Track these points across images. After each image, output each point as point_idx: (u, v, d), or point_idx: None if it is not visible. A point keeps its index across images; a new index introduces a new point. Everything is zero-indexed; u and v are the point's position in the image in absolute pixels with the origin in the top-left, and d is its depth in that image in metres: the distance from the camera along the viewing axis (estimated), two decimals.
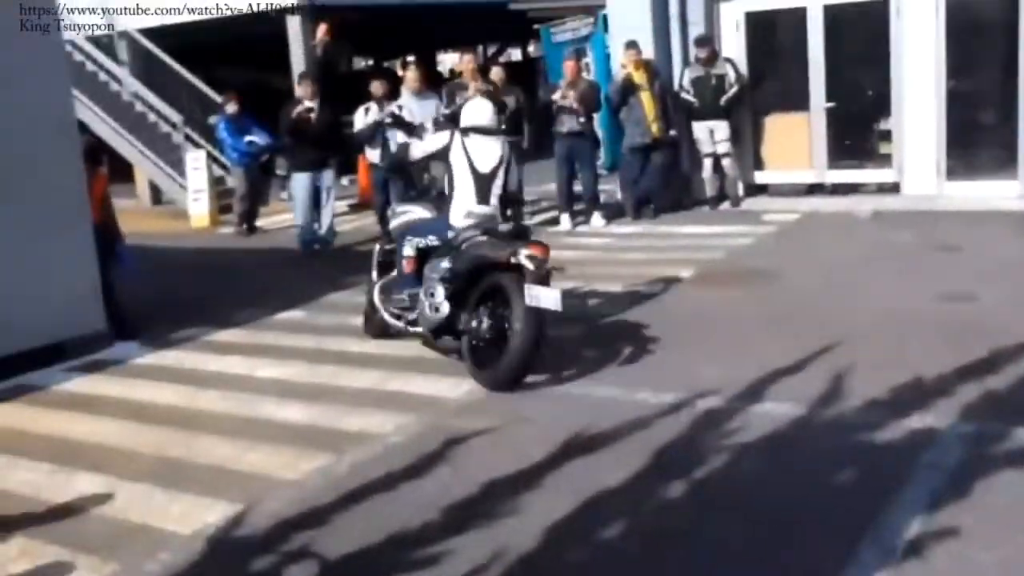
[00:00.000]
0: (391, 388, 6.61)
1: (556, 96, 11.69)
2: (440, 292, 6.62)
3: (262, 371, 7.25)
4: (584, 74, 13.09)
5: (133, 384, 7.23)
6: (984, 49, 11.45)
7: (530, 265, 6.23)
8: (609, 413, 5.76)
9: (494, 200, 7.10)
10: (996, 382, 5.75)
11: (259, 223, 14.23)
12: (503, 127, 7.72)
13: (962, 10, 11.09)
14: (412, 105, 12.21)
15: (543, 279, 6.23)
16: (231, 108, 13.84)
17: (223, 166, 14.84)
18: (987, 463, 4.73)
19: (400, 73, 23.37)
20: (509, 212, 7.52)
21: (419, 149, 7.43)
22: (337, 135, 12.18)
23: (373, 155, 11.86)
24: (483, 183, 7.09)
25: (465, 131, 7.15)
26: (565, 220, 12.11)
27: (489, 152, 7.15)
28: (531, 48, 27.58)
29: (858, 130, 12.21)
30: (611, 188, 13.16)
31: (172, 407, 6.63)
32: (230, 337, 8.34)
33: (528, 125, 12.42)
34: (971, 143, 11.58)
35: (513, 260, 6.32)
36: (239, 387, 6.91)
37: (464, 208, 7.02)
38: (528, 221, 12.47)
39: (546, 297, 6.09)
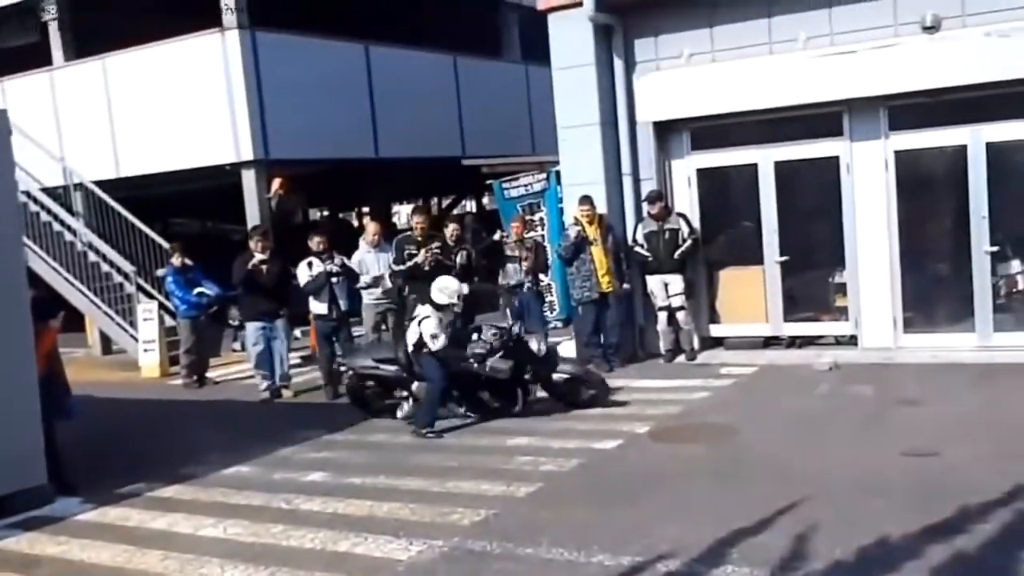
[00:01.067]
0: (340, 549, 6.45)
1: (508, 251, 11.88)
2: None
3: (207, 530, 7.09)
4: (539, 229, 13.26)
5: (72, 543, 7.06)
6: (935, 202, 11.68)
7: None
8: None
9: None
10: (965, 542, 5.64)
11: (211, 375, 14.04)
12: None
13: (911, 164, 11.36)
14: (369, 257, 12.33)
15: None
16: (176, 260, 13.79)
17: (175, 316, 14.68)
18: None
19: (356, 225, 23.61)
20: None
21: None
22: (289, 286, 12.11)
23: (320, 307, 11.78)
24: None
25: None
26: None
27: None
28: (485, 200, 27.98)
29: (813, 283, 12.29)
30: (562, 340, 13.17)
31: (112, 568, 6.49)
32: (175, 493, 8.18)
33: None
34: (927, 296, 11.72)
35: None
36: (182, 547, 6.75)
37: None
38: None
39: None
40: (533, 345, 9.95)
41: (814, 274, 12.25)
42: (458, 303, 9.81)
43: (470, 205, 32.02)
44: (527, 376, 10.00)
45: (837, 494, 6.73)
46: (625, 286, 12.21)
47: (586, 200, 11.94)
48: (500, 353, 9.81)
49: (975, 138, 10.91)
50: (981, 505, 6.16)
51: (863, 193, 11.48)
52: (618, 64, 12.36)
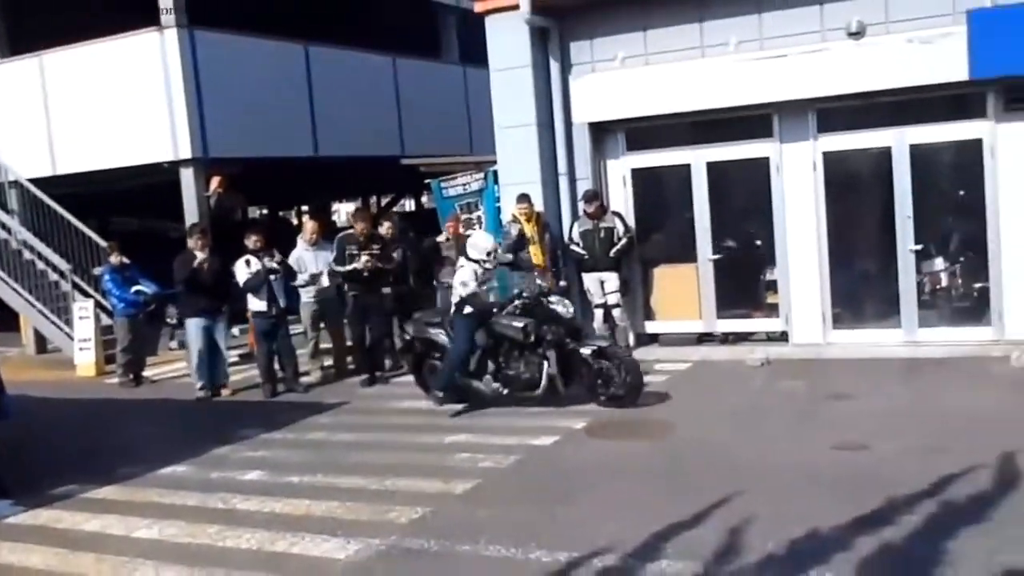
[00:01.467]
0: (277, 549, 6.43)
1: (444, 251, 12.01)
2: None
3: (141, 531, 7.03)
4: (476, 227, 13.36)
5: (2, 546, 6.93)
6: (862, 202, 11.96)
7: None
8: (502, 575, 5.65)
9: None
10: (892, 534, 5.79)
11: (147, 373, 13.94)
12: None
13: (839, 166, 11.64)
14: (307, 255, 12.35)
15: None
16: (114, 259, 13.69)
17: (112, 315, 14.56)
18: None
19: (296, 223, 23.46)
20: None
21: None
22: (228, 283, 12.09)
23: (259, 304, 11.78)
24: None
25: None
26: None
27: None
28: (424, 199, 28.03)
29: (745, 281, 12.52)
30: None
31: (43, 572, 6.39)
32: (109, 494, 8.08)
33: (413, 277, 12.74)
34: (855, 293, 11.99)
35: None
36: (116, 549, 6.67)
37: None
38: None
39: None
40: (560, 308, 9.97)
41: (746, 272, 12.48)
42: (490, 260, 10.09)
43: (409, 204, 32.02)
44: (549, 337, 9.79)
45: (770, 488, 6.87)
46: (561, 283, 12.34)
47: (524, 198, 12.07)
48: (514, 309, 9.98)
49: (900, 140, 11.22)
50: (908, 497, 6.32)
51: (792, 193, 11.74)
52: (554, 66, 12.52)
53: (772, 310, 12.26)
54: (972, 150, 11.00)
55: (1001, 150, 10.82)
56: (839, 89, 11.03)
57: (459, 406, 10.17)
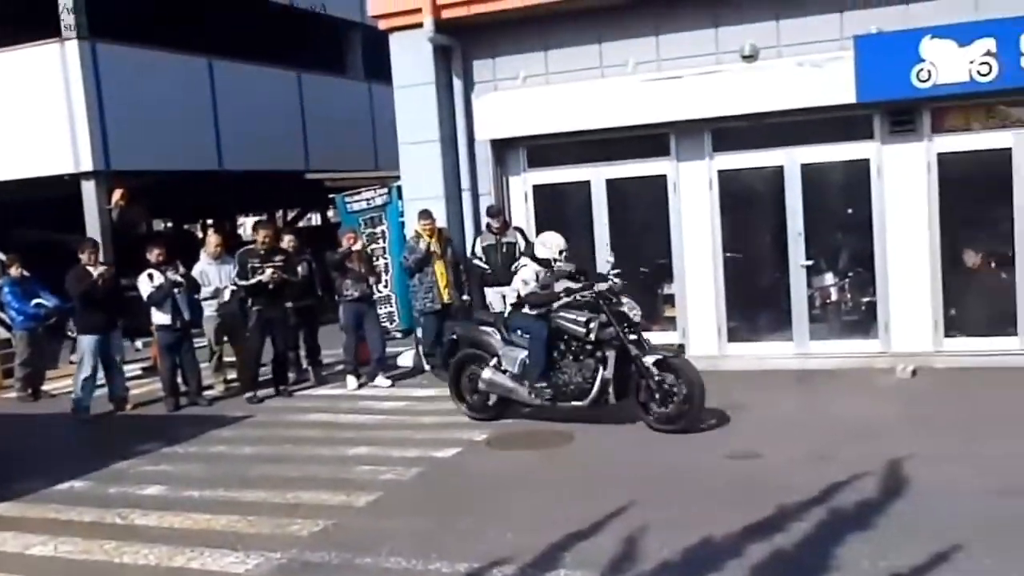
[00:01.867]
0: (175, 564, 6.38)
1: (357, 247, 12.15)
2: None
3: (36, 548, 6.90)
4: (380, 242, 13.44)
5: None
6: (756, 219, 12.31)
7: None
8: None
9: None
10: (783, 540, 5.98)
11: (46, 387, 13.67)
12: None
13: (734, 184, 11.98)
14: (211, 269, 12.29)
15: None
16: (14, 271, 13.45)
17: (9, 328, 14.27)
18: None
19: (201, 236, 23.16)
20: None
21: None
22: (123, 298, 11.94)
23: (163, 318, 11.68)
24: None
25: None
26: (351, 381, 12.36)
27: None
28: (330, 213, 27.95)
29: (643, 295, 12.65)
30: (403, 349, 13.61)
31: None
32: (4, 511, 7.91)
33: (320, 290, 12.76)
34: (749, 307, 12.33)
35: None
36: (10, 567, 6.55)
37: None
38: (327, 384, 12.60)
39: None
40: (626, 309, 9.29)
41: (644, 286, 12.58)
42: (560, 258, 9.82)
43: (315, 218, 31.89)
44: (610, 338, 9.16)
45: (666, 496, 7.03)
46: (465, 297, 12.48)
47: (426, 214, 12.16)
48: (572, 300, 9.55)
49: (791, 160, 11.58)
50: (798, 504, 6.52)
51: (689, 210, 12.05)
52: (457, 84, 12.68)
53: (670, 323, 12.51)
54: (860, 170, 11.40)
55: (887, 170, 11.24)
56: (733, 110, 11.36)
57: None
